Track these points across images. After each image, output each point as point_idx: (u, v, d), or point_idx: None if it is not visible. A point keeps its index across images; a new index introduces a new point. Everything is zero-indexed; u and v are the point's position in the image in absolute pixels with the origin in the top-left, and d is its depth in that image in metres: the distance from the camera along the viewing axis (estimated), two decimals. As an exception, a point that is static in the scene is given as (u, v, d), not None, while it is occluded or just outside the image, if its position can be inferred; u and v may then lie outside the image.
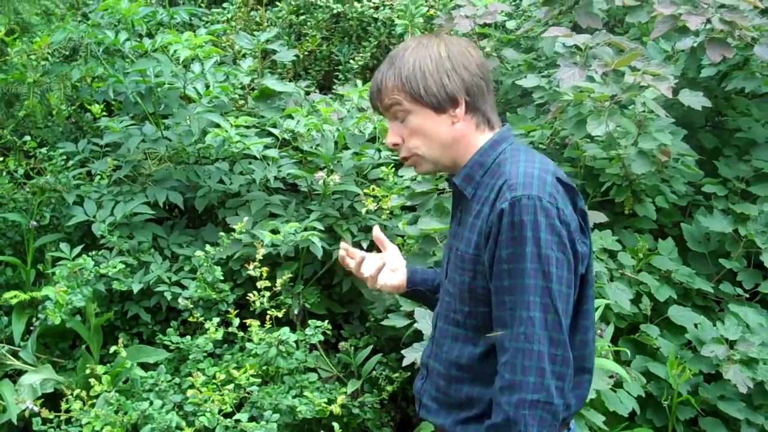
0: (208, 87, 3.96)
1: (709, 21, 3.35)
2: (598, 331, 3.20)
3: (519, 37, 4.35)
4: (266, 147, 3.96)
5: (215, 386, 3.28)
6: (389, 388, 3.68)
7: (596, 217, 3.37)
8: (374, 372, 3.75)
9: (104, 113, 4.19)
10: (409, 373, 3.75)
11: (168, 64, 3.94)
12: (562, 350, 1.80)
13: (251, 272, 3.53)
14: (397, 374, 3.71)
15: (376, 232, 2.38)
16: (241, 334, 3.56)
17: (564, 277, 1.81)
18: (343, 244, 2.34)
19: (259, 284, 3.52)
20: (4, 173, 4.10)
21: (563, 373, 1.80)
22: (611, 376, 3.09)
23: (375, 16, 4.94)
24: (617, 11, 4.23)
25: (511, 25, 4.51)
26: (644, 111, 3.41)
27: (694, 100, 3.45)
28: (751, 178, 3.79)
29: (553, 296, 1.79)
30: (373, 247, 3.82)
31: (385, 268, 2.31)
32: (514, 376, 1.79)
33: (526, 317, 1.78)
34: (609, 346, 3.12)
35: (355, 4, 4.94)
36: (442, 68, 1.94)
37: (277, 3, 5.20)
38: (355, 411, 3.60)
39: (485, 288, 1.89)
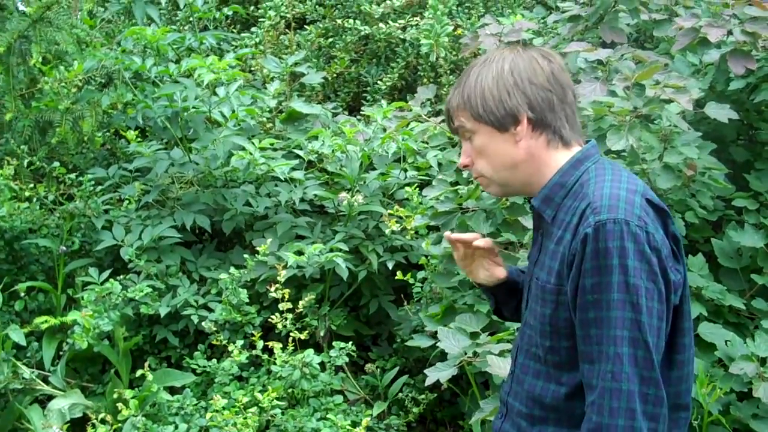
0: (233, 110, 3.98)
1: (730, 33, 3.29)
2: None
3: (545, 53, 4.31)
4: (292, 169, 3.96)
5: (238, 410, 3.27)
6: (416, 410, 3.65)
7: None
8: (401, 394, 3.71)
9: (139, 139, 4.23)
10: (436, 395, 3.72)
11: (193, 88, 3.98)
12: (654, 388, 1.66)
13: (274, 294, 3.53)
14: (423, 396, 3.67)
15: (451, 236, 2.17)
16: (266, 356, 3.56)
17: (655, 308, 1.66)
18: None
19: (282, 306, 3.52)
20: (35, 199, 4.16)
21: (657, 414, 1.66)
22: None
23: (402, 37, 4.94)
24: (646, 26, 4.18)
25: (537, 42, 4.47)
26: (670, 125, 3.36)
27: (721, 112, 3.38)
28: (783, 192, 3.71)
29: (643, 330, 1.64)
30: (398, 268, 3.82)
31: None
32: (602, 419, 1.66)
33: (613, 353, 1.65)
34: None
35: (381, 25, 4.94)
36: (502, 84, 1.82)
37: (306, 27, 5.23)
38: (382, 433, 3.58)
39: (568, 320, 1.76)
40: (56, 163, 4.20)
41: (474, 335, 3.25)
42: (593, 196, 1.72)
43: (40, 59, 4.56)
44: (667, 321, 1.73)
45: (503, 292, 2.20)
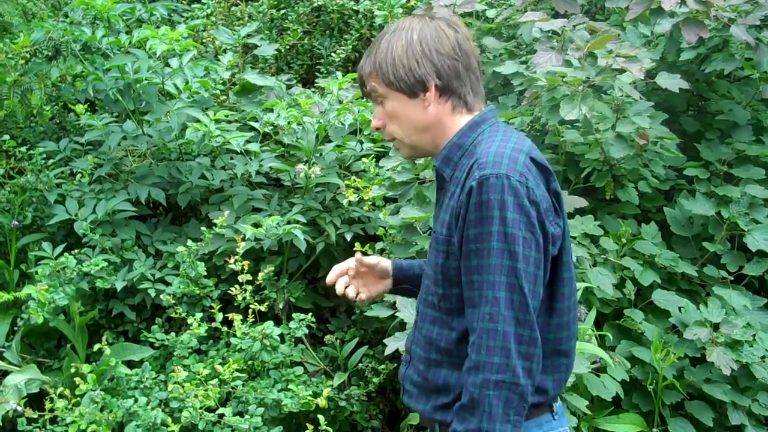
0: (187, 82, 3.94)
1: (683, 2, 3.34)
2: (579, 315, 3.20)
3: (499, 25, 4.33)
4: (248, 141, 3.94)
5: (199, 382, 3.27)
6: (376, 380, 3.67)
7: (577, 202, 3.35)
8: (360, 364, 3.73)
9: (88, 112, 4.16)
10: (396, 365, 3.75)
11: (146, 59, 3.92)
12: (529, 330, 1.78)
13: (232, 266, 3.52)
14: (383, 366, 3.69)
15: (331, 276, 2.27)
16: (225, 329, 3.55)
17: (532, 257, 1.79)
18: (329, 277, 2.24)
19: (241, 278, 3.51)
20: (-15, 174, 4.09)
21: (530, 354, 1.78)
22: (594, 362, 3.08)
23: (355, 8, 4.93)
24: (597, -3, 4.23)
25: (491, 13, 4.48)
26: (622, 95, 3.40)
27: (672, 82, 3.43)
28: (732, 161, 3.79)
29: (519, 276, 1.77)
30: (356, 239, 3.83)
31: (359, 279, 2.25)
32: (479, 357, 1.78)
33: (491, 297, 1.77)
34: (593, 330, 3.12)
35: (334, -4, 4.93)
36: (411, 53, 1.93)
37: (258, -3, 5.19)
38: (342, 404, 3.59)
39: (457, 269, 1.88)
40: (6, 137, 4.12)
41: (432, 304, 3.28)
42: (480, 154, 1.85)
43: (-18, 32, 4.48)
44: (545, 270, 1.85)
45: (415, 293, 2.30)
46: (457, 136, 1.97)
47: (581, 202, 3.38)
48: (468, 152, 1.94)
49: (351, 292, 2.22)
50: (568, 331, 1.97)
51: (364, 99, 3.98)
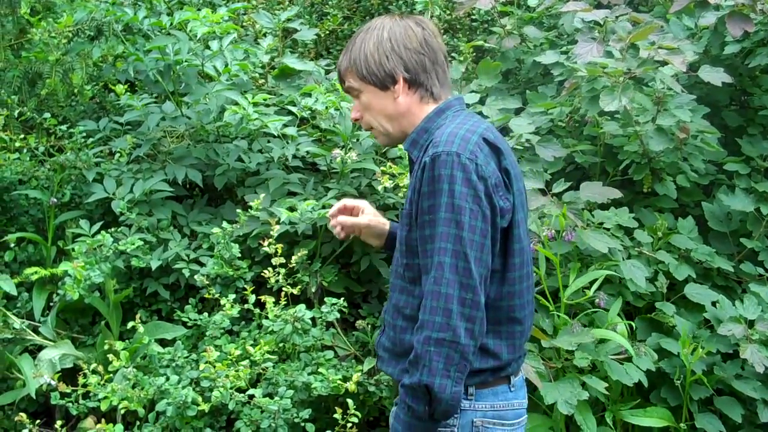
0: (226, 65, 3.95)
1: (729, -6, 3.30)
2: (596, 300, 3.23)
3: (541, 14, 4.30)
4: (285, 125, 3.95)
5: (230, 362, 3.29)
6: (405, 366, 3.66)
7: (610, 193, 3.32)
8: (391, 350, 3.73)
9: (128, 92, 4.19)
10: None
11: (186, 41, 3.94)
12: (472, 294, 1.93)
13: (266, 249, 3.53)
14: (413, 352, 3.69)
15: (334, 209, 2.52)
16: (257, 311, 3.57)
17: (478, 227, 1.95)
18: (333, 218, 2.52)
19: (274, 261, 3.52)
20: (25, 150, 4.13)
21: (473, 316, 1.93)
22: (619, 353, 3.11)
23: (396, -6, 4.92)
24: (641, -12, 4.18)
25: (533, 2, 4.45)
26: (663, 88, 3.37)
27: (715, 76, 3.39)
28: (774, 157, 3.74)
29: (463, 243, 1.93)
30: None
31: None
32: (424, 316, 1.95)
33: (437, 262, 1.94)
34: (621, 318, 3.14)
35: (376, -19, 4.91)
36: (382, 49, 2.16)
37: (299, -18, 5.19)
38: (371, 389, 3.59)
39: (416, 240, 2.04)
40: (47, 115, 4.17)
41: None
42: (436, 134, 2.06)
43: (29, 10, 4.52)
44: (494, 240, 2.02)
45: None
46: (423, 122, 2.17)
47: (615, 194, 3.35)
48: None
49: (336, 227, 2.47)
50: (521, 300, 2.13)
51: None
